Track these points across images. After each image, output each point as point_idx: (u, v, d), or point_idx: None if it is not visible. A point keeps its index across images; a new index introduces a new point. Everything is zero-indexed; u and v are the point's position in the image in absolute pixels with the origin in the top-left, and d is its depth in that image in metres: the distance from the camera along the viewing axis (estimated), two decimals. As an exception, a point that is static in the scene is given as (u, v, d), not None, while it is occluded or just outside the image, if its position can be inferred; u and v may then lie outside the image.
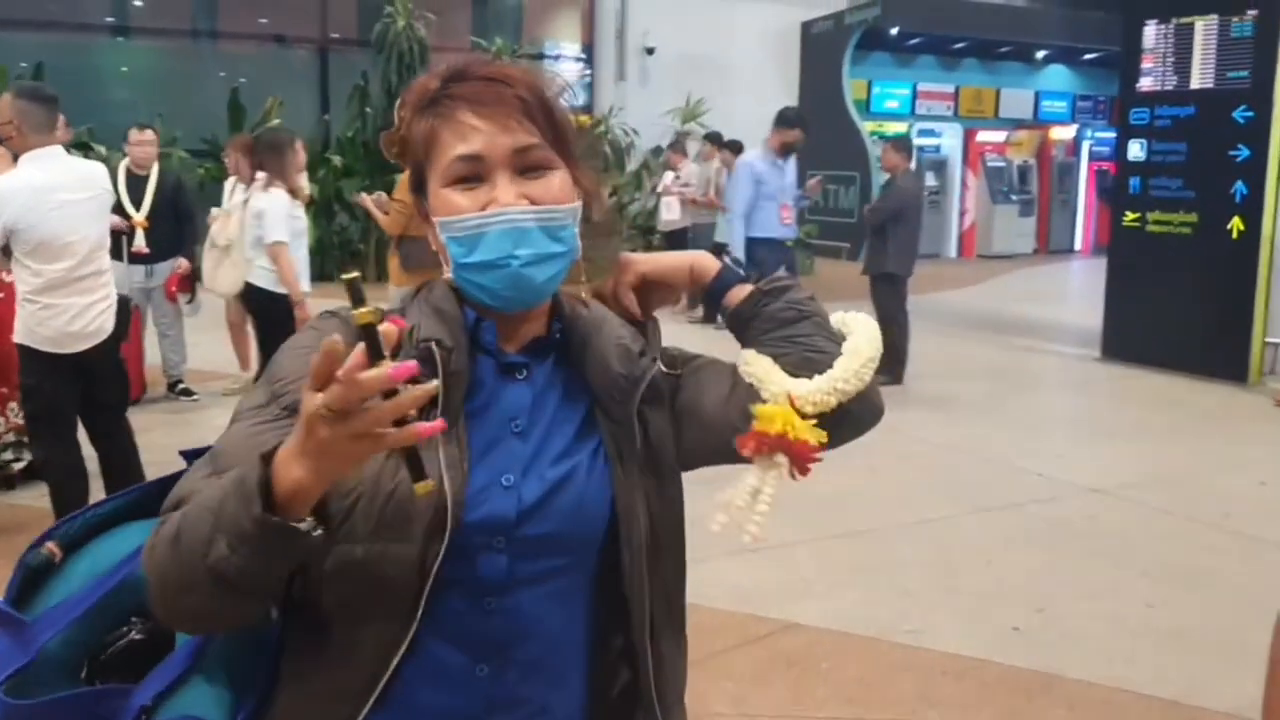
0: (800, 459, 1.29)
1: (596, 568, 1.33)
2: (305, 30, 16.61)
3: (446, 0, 16.87)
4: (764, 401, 1.32)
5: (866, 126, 18.58)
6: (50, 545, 1.34)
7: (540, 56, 17.81)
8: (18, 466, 5.86)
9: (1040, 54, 21.37)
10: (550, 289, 1.30)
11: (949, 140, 20.32)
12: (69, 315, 4.63)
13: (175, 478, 1.37)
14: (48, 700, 1.24)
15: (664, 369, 1.39)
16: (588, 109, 17.59)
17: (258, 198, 6.38)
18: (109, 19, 16.20)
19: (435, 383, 1.07)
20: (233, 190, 7.98)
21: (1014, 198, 20.55)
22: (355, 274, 1.01)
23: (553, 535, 1.27)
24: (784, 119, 8.29)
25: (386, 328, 1.01)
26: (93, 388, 4.88)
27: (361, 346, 0.98)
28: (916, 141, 19.62)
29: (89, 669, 1.30)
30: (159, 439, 6.05)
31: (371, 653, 1.22)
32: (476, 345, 1.31)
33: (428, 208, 1.30)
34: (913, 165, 9.71)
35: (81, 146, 12.56)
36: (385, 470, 1.19)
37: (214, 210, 8.11)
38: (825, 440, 1.30)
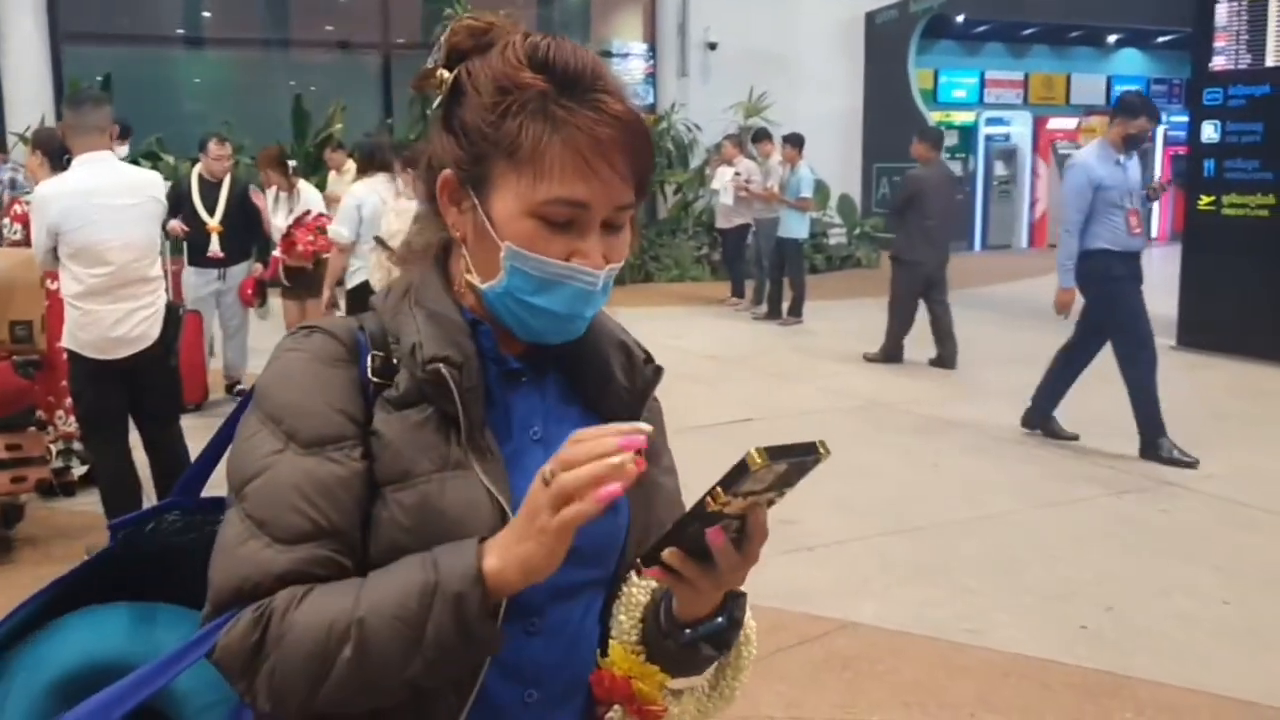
0: (642, 715, 1.22)
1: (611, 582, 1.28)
2: (369, 36, 16.74)
3: (511, 1, 16.90)
4: (612, 638, 1.24)
5: (934, 117, 18.29)
6: None
7: (608, 54, 17.77)
8: (77, 473, 5.92)
9: (1112, 38, 20.91)
10: None
11: (1019, 128, 19.95)
12: (110, 321, 4.65)
13: (83, 573, 1.31)
14: None
15: None
16: (651, 106, 17.53)
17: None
18: (178, 30, 16.45)
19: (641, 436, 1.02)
20: (275, 200, 8.08)
21: (1087, 185, 20.11)
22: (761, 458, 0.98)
23: (586, 546, 1.16)
24: (1127, 106, 6.94)
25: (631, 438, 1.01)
26: (140, 395, 4.90)
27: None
28: (985, 130, 19.42)
29: None
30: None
31: (447, 702, 1.15)
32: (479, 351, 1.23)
33: (478, 203, 1.16)
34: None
35: (150, 156, 12.77)
36: (431, 491, 1.13)
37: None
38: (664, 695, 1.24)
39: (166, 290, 5.68)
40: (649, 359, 1.30)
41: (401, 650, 1.04)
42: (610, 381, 1.26)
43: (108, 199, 4.59)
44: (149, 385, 4.88)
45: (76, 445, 5.73)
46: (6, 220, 6.03)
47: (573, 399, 1.27)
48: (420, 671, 1.05)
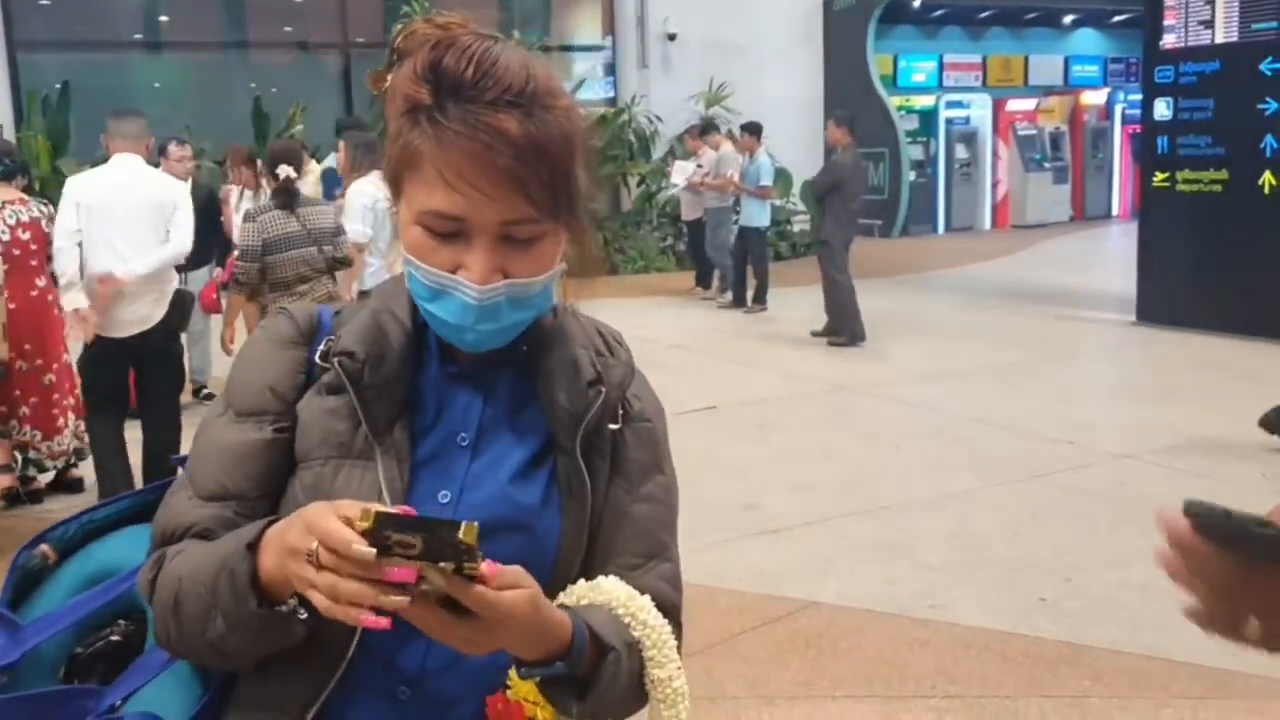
0: None
1: None
2: (328, 36, 16.68)
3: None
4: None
5: (894, 101, 18.39)
6: (44, 548, 1.36)
7: (568, 49, 17.76)
8: (45, 480, 5.91)
9: (1068, 18, 21.05)
10: (512, 337, 1.21)
11: (978, 111, 20.04)
12: (120, 300, 5.14)
13: (156, 493, 1.38)
14: (17, 697, 1.24)
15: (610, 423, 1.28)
16: (612, 99, 17.54)
17: None
18: (136, 36, 16.32)
19: (399, 599, 0.97)
20: (240, 198, 8.05)
21: (1047, 165, 20.25)
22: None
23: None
24: None
25: (389, 513, 0.97)
26: (141, 374, 5.43)
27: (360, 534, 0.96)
28: (945, 114, 19.51)
29: (66, 667, 1.30)
30: (184, 447, 6.09)
31: (315, 669, 1.19)
32: (423, 348, 1.24)
33: (398, 207, 1.19)
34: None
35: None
36: (324, 475, 1.19)
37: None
38: None
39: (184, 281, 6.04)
40: (597, 380, 1.25)
41: (201, 612, 1.11)
42: (554, 400, 1.24)
43: (127, 192, 5.21)
44: (150, 362, 5.41)
45: (32, 454, 5.72)
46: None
47: (526, 407, 1.26)
48: (221, 637, 1.10)
